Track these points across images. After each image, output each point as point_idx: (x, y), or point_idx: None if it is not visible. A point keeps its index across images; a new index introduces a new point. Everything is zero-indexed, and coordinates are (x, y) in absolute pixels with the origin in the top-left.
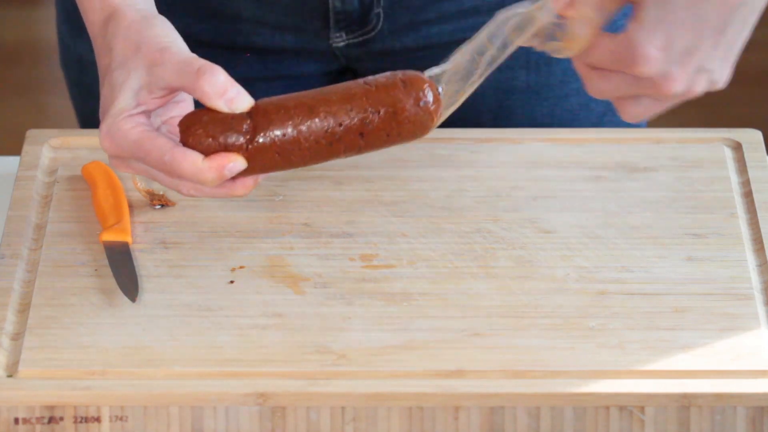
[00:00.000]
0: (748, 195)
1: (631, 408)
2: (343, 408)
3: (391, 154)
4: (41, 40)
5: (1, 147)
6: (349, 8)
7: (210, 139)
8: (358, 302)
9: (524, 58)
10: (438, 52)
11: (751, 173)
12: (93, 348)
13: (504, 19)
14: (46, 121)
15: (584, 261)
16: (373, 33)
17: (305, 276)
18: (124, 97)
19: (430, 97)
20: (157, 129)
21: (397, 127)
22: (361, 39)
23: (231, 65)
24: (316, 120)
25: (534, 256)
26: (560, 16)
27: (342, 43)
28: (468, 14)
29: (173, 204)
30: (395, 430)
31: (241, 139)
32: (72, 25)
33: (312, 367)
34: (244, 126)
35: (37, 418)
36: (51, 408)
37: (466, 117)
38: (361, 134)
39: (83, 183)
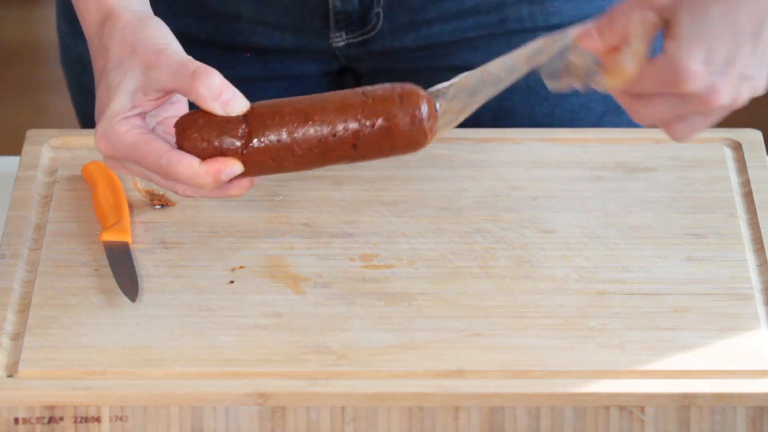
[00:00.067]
0: (748, 195)
1: (631, 408)
2: (343, 408)
3: None
4: (41, 40)
5: (1, 147)
6: (348, 8)
7: (205, 143)
8: (358, 302)
9: None
10: (438, 52)
11: (751, 173)
12: (93, 348)
13: (531, 50)
14: (46, 121)
15: (584, 261)
16: (373, 33)
17: (305, 276)
18: (119, 99)
19: (425, 114)
20: (152, 130)
21: (390, 141)
22: (361, 39)
23: (231, 65)
24: (311, 129)
25: (534, 256)
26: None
27: (342, 43)
28: (468, 14)
29: (173, 204)
30: (395, 430)
31: (237, 143)
32: (72, 24)
33: (312, 367)
34: (240, 130)
35: (37, 418)
36: (51, 408)
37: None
38: (354, 146)
39: (83, 183)
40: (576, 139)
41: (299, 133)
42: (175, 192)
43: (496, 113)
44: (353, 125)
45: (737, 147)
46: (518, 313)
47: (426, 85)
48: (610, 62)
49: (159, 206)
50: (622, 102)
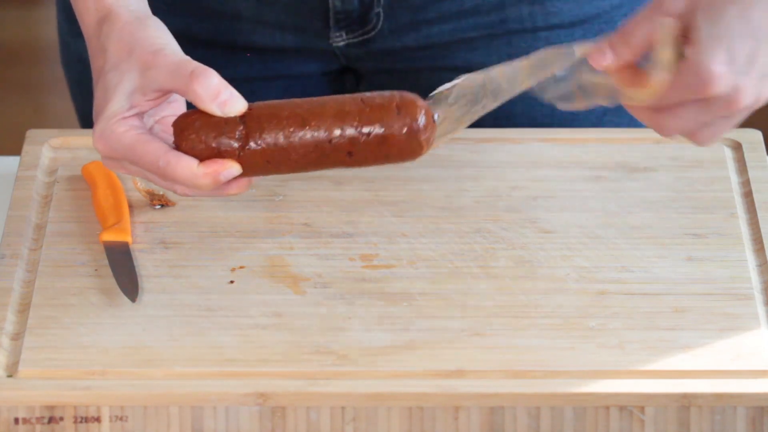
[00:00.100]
0: (748, 195)
1: (631, 408)
2: (343, 408)
3: None
4: (41, 40)
5: (1, 147)
6: (349, 8)
7: (203, 145)
8: (358, 302)
9: None
10: (438, 52)
11: (751, 173)
12: (93, 348)
13: (536, 60)
14: (46, 121)
15: (584, 261)
16: (373, 33)
17: (305, 276)
18: (117, 99)
19: (422, 125)
20: (150, 129)
21: (385, 150)
22: (361, 39)
23: (231, 65)
24: (307, 134)
25: (534, 256)
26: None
27: (342, 43)
28: (468, 14)
29: (173, 204)
30: (395, 430)
31: (234, 145)
32: (72, 24)
33: (312, 367)
34: (237, 132)
35: (37, 418)
36: (51, 408)
37: None
38: (350, 153)
39: (83, 183)
40: (576, 139)
41: (296, 138)
42: (174, 191)
43: (496, 113)
44: (350, 132)
45: (737, 147)
46: (518, 313)
47: (426, 86)
48: (629, 78)
49: (159, 206)
50: (644, 118)
